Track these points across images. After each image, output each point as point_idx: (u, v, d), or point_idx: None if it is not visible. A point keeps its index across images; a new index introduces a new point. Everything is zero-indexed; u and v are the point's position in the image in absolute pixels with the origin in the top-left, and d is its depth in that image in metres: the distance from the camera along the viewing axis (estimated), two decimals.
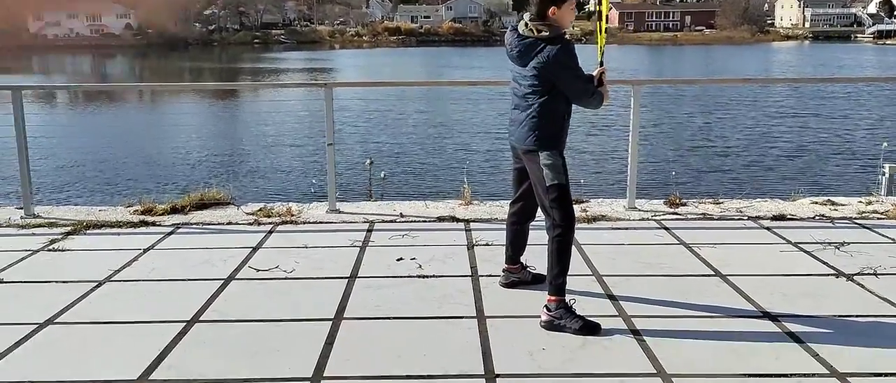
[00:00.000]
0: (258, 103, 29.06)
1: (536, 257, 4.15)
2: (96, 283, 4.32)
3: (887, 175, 9.73)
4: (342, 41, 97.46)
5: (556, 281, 3.65)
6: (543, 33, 3.58)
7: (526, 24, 3.64)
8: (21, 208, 6.06)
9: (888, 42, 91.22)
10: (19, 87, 6.15)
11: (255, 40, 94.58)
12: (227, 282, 4.34)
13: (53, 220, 5.77)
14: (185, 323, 3.71)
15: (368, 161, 12.46)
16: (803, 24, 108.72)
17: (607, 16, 4.05)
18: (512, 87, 3.81)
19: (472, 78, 38.12)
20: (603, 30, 3.99)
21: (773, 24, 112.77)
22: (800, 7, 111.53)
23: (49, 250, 5.02)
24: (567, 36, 3.65)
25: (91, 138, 20.58)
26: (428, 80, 40.48)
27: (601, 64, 3.85)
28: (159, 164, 16.66)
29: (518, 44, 3.67)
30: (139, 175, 15.34)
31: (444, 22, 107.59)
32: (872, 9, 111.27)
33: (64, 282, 4.36)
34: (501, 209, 5.95)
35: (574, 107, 3.77)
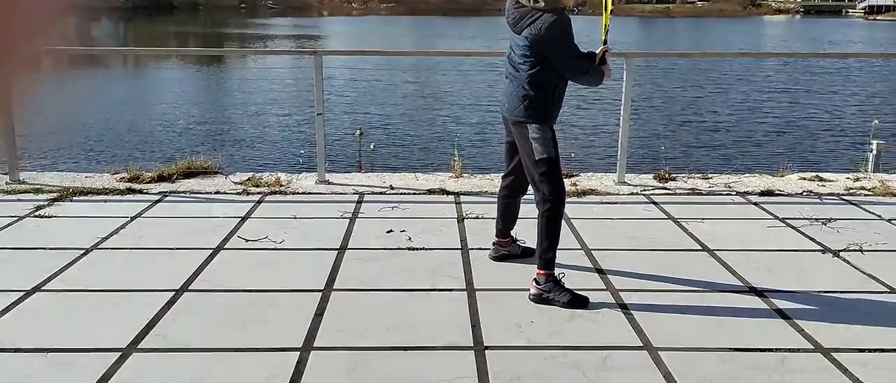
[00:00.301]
0: (246, 70, 28.81)
1: (527, 230, 4.16)
2: (83, 251, 4.29)
3: (874, 151, 9.78)
4: (331, 7, 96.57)
5: (545, 255, 3.66)
6: (539, 3, 3.55)
7: None
8: (6, 174, 6.00)
9: (878, 18, 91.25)
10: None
11: (242, 5, 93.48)
12: (215, 251, 4.33)
13: (39, 186, 5.72)
14: (173, 292, 3.70)
15: (358, 131, 12.38)
16: None
17: None
18: (507, 54, 3.79)
19: (463, 48, 37.89)
20: (608, 7, 3.94)
21: None
22: None
23: (35, 216, 4.98)
24: (566, 9, 3.61)
25: (76, 103, 20.37)
26: (419, 49, 40.21)
27: (605, 42, 3.84)
28: (146, 131, 16.52)
29: (514, 11, 3.65)
30: (126, 142, 15.22)
31: None
32: None
33: (51, 248, 4.33)
34: (491, 182, 5.95)
35: (568, 81, 3.75)
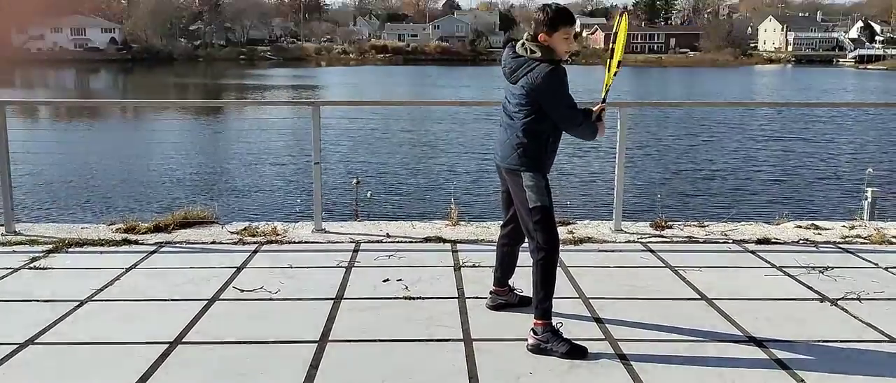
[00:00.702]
0: (244, 120, 29.00)
1: (524, 279, 4.14)
2: (78, 303, 4.26)
3: (869, 199, 9.83)
4: (328, 58, 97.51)
5: (541, 304, 3.64)
6: (536, 54, 3.60)
7: (523, 44, 3.66)
8: (2, 225, 5.98)
9: (869, 66, 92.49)
10: (2, 103, 6.08)
11: (241, 56, 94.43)
12: (210, 302, 4.30)
13: (35, 238, 5.70)
14: (168, 345, 3.66)
15: (355, 180, 12.43)
16: (786, 48, 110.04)
17: (620, 60, 3.90)
18: (502, 104, 3.82)
19: (458, 97, 38.24)
20: (612, 69, 3.90)
21: (757, 47, 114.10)
22: (782, 31, 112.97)
23: (30, 268, 4.95)
24: (561, 60, 3.66)
25: (74, 154, 20.43)
26: (414, 99, 40.56)
27: (603, 100, 3.86)
28: (143, 182, 16.54)
29: (511, 61, 3.69)
30: (122, 192, 15.22)
31: (430, 41, 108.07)
32: (854, 33, 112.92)
33: (45, 300, 4.30)
34: (488, 230, 5.95)
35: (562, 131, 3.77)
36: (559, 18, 3.58)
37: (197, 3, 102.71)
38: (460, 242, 5.65)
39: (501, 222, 4.10)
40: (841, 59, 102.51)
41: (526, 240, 3.81)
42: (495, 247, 4.20)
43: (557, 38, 3.59)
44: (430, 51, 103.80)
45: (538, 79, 3.55)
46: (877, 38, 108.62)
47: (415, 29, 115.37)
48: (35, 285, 4.62)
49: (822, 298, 4.46)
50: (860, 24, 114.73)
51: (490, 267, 4.60)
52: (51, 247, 5.44)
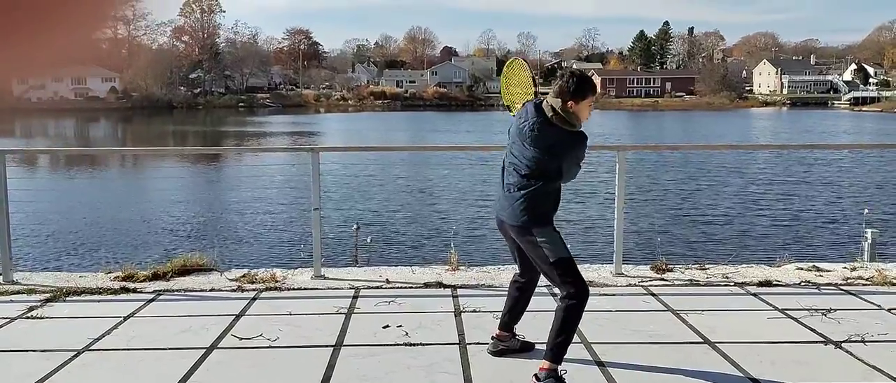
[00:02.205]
0: (243, 167, 29.07)
1: (524, 324, 4.12)
2: (75, 352, 4.22)
3: (869, 240, 9.81)
4: (327, 105, 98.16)
5: (558, 347, 3.58)
6: (566, 126, 3.64)
7: (552, 108, 3.64)
8: (0, 274, 5.96)
9: (864, 109, 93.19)
10: (2, 151, 6.10)
11: (241, 104, 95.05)
12: (209, 350, 4.26)
13: (32, 287, 5.67)
14: None
15: (355, 226, 12.41)
16: (781, 91, 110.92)
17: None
18: (510, 162, 3.76)
19: (457, 142, 38.42)
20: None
21: (752, 90, 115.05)
22: (777, 74, 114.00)
23: (27, 317, 4.91)
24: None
25: (73, 202, 20.43)
26: (413, 144, 40.76)
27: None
28: (141, 229, 16.52)
29: (539, 123, 3.66)
30: (121, 240, 15.19)
31: (428, 86, 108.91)
32: (848, 76, 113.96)
33: (42, 350, 4.25)
34: (488, 275, 5.93)
35: None
36: (587, 88, 3.66)
37: (197, 52, 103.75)
38: (461, 287, 5.61)
39: (514, 268, 4.09)
40: (836, 102, 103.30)
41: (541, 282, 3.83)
42: (507, 291, 4.15)
43: (583, 106, 3.64)
44: (428, 96, 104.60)
45: (571, 146, 3.65)
46: (870, 80, 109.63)
47: (413, 75, 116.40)
48: (32, 335, 4.58)
49: (826, 341, 4.42)
50: (854, 66, 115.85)
51: (491, 312, 4.58)
52: (48, 295, 5.40)
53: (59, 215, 17.74)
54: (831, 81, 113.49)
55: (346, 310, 5.04)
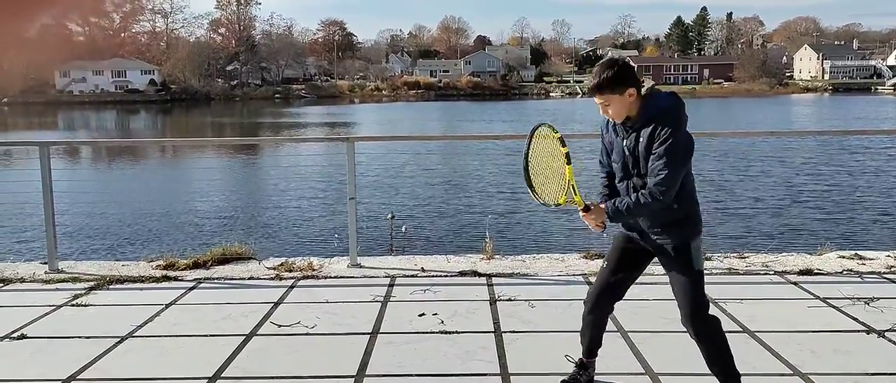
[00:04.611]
0: (280, 157, 29.33)
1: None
2: (119, 339, 4.32)
3: None
4: (362, 95, 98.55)
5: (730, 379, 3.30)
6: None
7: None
8: (46, 263, 6.11)
9: None
10: (47, 143, 6.24)
11: (277, 95, 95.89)
12: (248, 337, 4.32)
13: (77, 275, 5.81)
14: (207, 380, 3.68)
15: (390, 215, 12.46)
16: (822, 76, 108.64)
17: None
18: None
19: (490, 131, 38.32)
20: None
21: (792, 76, 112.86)
22: (819, 59, 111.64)
23: (72, 305, 5.04)
24: None
25: (115, 193, 20.82)
26: (447, 133, 40.77)
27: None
28: (181, 219, 16.78)
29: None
30: (161, 229, 15.46)
31: (462, 76, 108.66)
32: (892, 61, 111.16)
33: (87, 337, 4.36)
34: (523, 263, 5.92)
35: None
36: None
37: (233, 45, 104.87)
38: (495, 276, 5.62)
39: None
40: (879, 87, 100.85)
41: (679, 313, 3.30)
42: (590, 320, 3.51)
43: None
44: (462, 86, 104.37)
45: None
46: None
47: (447, 65, 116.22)
48: (77, 322, 4.69)
49: (869, 330, 4.34)
50: None
51: (526, 300, 4.57)
52: (92, 284, 5.53)
53: (101, 205, 18.09)
54: (874, 66, 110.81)
55: (381, 299, 5.08)
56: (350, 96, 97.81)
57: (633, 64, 3.55)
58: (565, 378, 3.53)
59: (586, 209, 3.19)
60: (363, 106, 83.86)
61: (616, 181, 3.28)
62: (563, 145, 3.14)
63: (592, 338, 3.52)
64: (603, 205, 3.21)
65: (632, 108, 3.13)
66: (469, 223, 15.35)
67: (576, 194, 3.15)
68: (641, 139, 3.11)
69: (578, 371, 3.55)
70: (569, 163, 3.11)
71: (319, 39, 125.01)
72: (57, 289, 5.44)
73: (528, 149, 3.32)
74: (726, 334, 3.26)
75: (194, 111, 75.39)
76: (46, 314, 4.85)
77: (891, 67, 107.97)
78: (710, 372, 3.27)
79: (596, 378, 3.59)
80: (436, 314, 4.69)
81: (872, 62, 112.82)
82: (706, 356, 3.25)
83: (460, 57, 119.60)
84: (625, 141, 3.18)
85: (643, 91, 3.14)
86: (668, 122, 3.08)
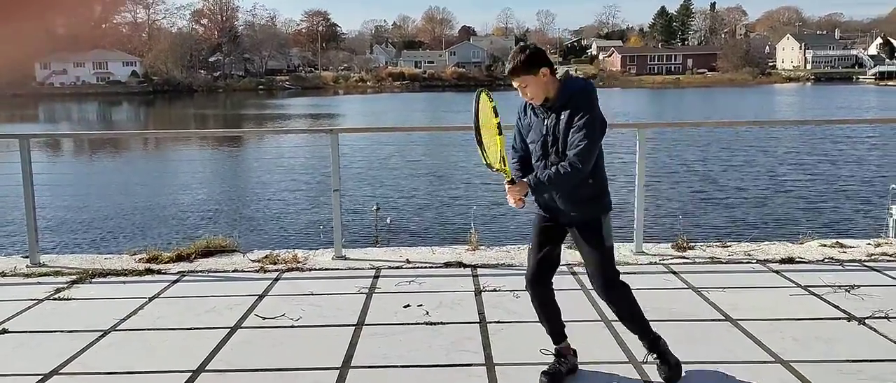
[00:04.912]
0: (263, 149, 29.21)
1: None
2: (102, 333, 4.29)
3: (894, 216, 9.71)
4: (346, 87, 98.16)
5: (646, 336, 3.54)
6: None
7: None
8: (27, 256, 6.05)
9: (889, 83, 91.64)
10: (27, 136, 6.19)
11: (260, 86, 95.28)
12: (233, 330, 4.31)
13: (59, 269, 5.76)
14: (191, 373, 3.67)
15: (375, 206, 12.45)
16: (805, 66, 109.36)
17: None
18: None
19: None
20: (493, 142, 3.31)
21: (775, 66, 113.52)
22: (801, 49, 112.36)
23: (54, 299, 5.00)
24: None
25: (97, 185, 20.66)
26: (432, 124, 40.72)
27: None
28: (165, 212, 16.69)
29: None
30: (144, 222, 15.37)
31: (447, 67, 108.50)
32: (873, 50, 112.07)
33: (69, 331, 4.33)
34: (508, 254, 5.93)
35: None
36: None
37: (216, 35, 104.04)
38: (481, 267, 5.63)
39: (530, 272, 3.52)
40: (861, 77, 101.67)
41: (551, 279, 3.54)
42: (537, 303, 3.55)
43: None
44: (446, 77, 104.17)
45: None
46: None
47: (431, 55, 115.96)
48: (59, 316, 4.66)
49: (850, 317, 4.39)
50: (879, 40, 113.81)
51: (511, 290, 4.58)
52: (75, 277, 5.49)
53: (83, 199, 17.95)
54: (856, 56, 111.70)
55: (367, 290, 5.07)
56: (334, 88, 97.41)
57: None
58: (546, 369, 3.54)
59: (512, 182, 3.31)
60: (347, 97, 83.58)
61: (533, 161, 3.41)
62: (496, 115, 3.27)
63: (550, 320, 3.58)
64: (525, 179, 3.31)
65: (549, 89, 3.29)
66: (454, 214, 15.38)
67: (505, 165, 3.29)
68: (562, 118, 3.27)
69: (557, 360, 3.56)
70: (500, 133, 3.22)
71: (303, 30, 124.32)
72: (39, 283, 5.40)
73: (477, 108, 3.39)
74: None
75: (177, 103, 74.85)
76: (28, 308, 4.80)
77: (872, 57, 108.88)
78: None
79: (580, 367, 3.61)
80: (421, 305, 4.69)
81: (854, 52, 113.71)
82: (622, 318, 3.52)
83: (445, 48, 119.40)
84: (545, 121, 3.33)
85: (559, 76, 3.35)
86: (585, 101, 3.27)
